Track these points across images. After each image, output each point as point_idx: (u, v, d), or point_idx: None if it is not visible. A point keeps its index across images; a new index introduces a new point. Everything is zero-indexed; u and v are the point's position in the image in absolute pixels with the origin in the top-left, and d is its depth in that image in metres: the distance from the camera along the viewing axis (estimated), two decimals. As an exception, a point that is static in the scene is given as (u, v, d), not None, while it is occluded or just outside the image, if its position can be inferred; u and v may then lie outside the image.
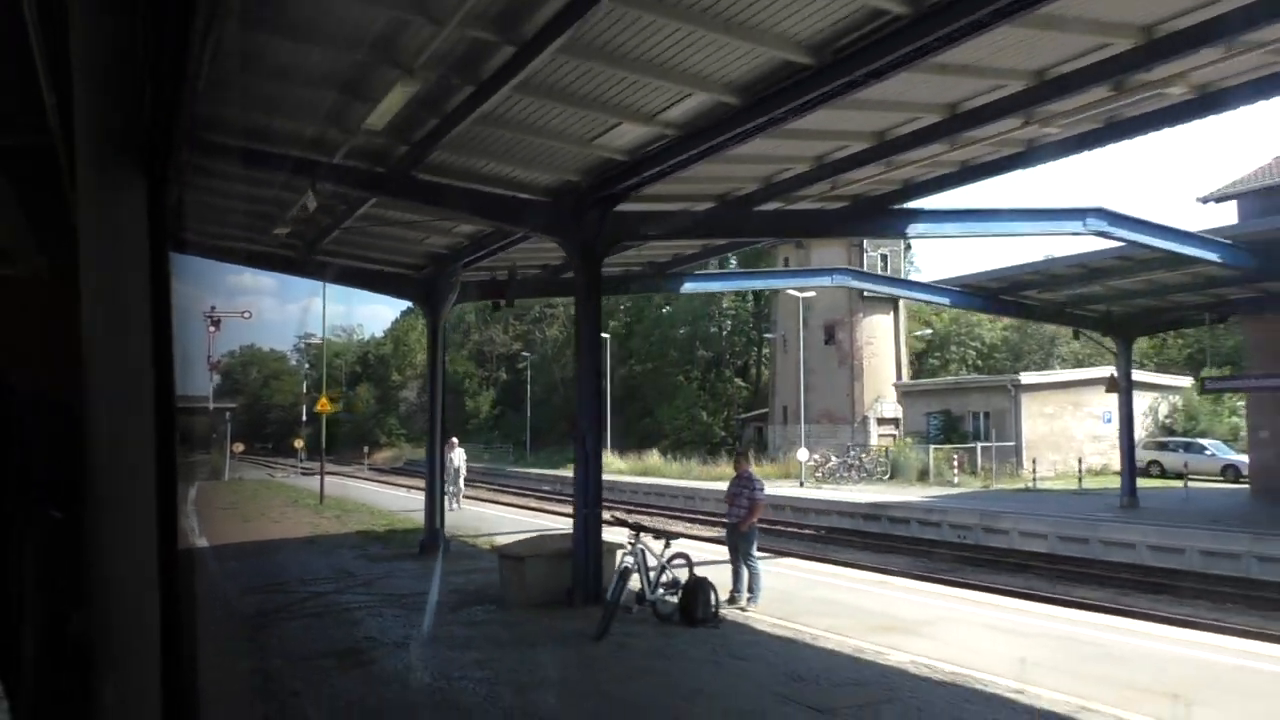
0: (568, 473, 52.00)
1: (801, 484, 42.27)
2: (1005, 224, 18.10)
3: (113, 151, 1.65)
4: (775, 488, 38.77)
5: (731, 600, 13.45)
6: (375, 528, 25.12)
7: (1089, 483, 37.61)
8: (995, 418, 44.77)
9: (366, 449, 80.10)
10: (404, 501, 33.56)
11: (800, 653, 11.11)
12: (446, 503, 29.63)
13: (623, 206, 13.71)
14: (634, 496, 42.67)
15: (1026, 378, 45.58)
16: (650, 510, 36.63)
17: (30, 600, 1.46)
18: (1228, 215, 32.72)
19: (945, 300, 27.01)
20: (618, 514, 16.38)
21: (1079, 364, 55.75)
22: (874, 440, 53.17)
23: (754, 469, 15.44)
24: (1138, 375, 40.02)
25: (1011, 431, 43.65)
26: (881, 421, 55.32)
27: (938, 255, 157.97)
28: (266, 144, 11.59)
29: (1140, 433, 44.75)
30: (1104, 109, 11.17)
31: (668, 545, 13.22)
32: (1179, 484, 35.21)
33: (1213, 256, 20.00)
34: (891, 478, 44.13)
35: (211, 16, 4.48)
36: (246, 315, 52.22)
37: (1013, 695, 9.18)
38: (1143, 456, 42.54)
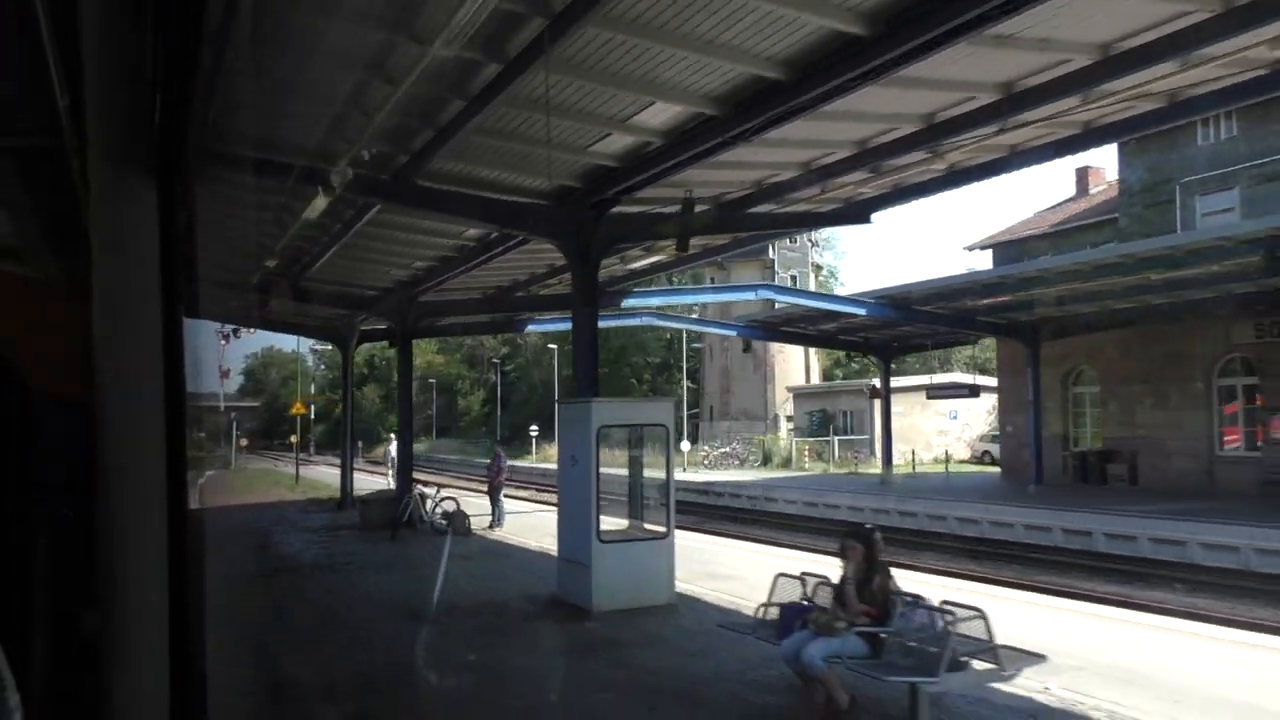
0: (518, 462, 62.26)
1: (684, 470, 48.88)
2: (701, 295, 26.97)
3: (123, 153, 1.64)
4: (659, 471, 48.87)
5: (490, 526, 23.67)
6: (320, 496, 34.39)
7: (920, 469, 43.86)
8: (856, 415, 53.29)
9: (360, 444, 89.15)
10: (360, 481, 39.75)
11: (494, 544, 21.13)
12: (386, 482, 38.93)
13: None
14: (542, 478, 47.63)
15: (879, 382, 52.48)
16: (536, 484, 43.28)
17: (40, 599, 1.49)
18: (987, 260, 42.45)
19: (733, 332, 35.85)
20: (419, 478, 26.42)
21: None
22: (782, 434, 59.81)
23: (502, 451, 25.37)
24: (986, 380, 46.65)
25: (869, 427, 51.75)
26: (790, 419, 61.85)
27: (866, 272, 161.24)
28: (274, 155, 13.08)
29: (984, 428, 53.11)
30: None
31: (438, 491, 24.07)
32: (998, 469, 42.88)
33: (860, 311, 28.13)
34: (764, 464, 51.95)
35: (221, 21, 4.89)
36: (253, 331, 59.43)
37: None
38: (980, 448, 51.48)
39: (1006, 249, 39.70)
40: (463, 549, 19.71)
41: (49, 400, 2.76)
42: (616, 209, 13.64)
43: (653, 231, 13.91)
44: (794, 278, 64.34)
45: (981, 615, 7.78)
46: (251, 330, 66.25)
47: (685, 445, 52.85)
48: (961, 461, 47.74)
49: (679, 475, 46.75)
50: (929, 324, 29.25)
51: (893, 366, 61.89)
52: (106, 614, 1.53)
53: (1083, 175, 41.20)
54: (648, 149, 12.18)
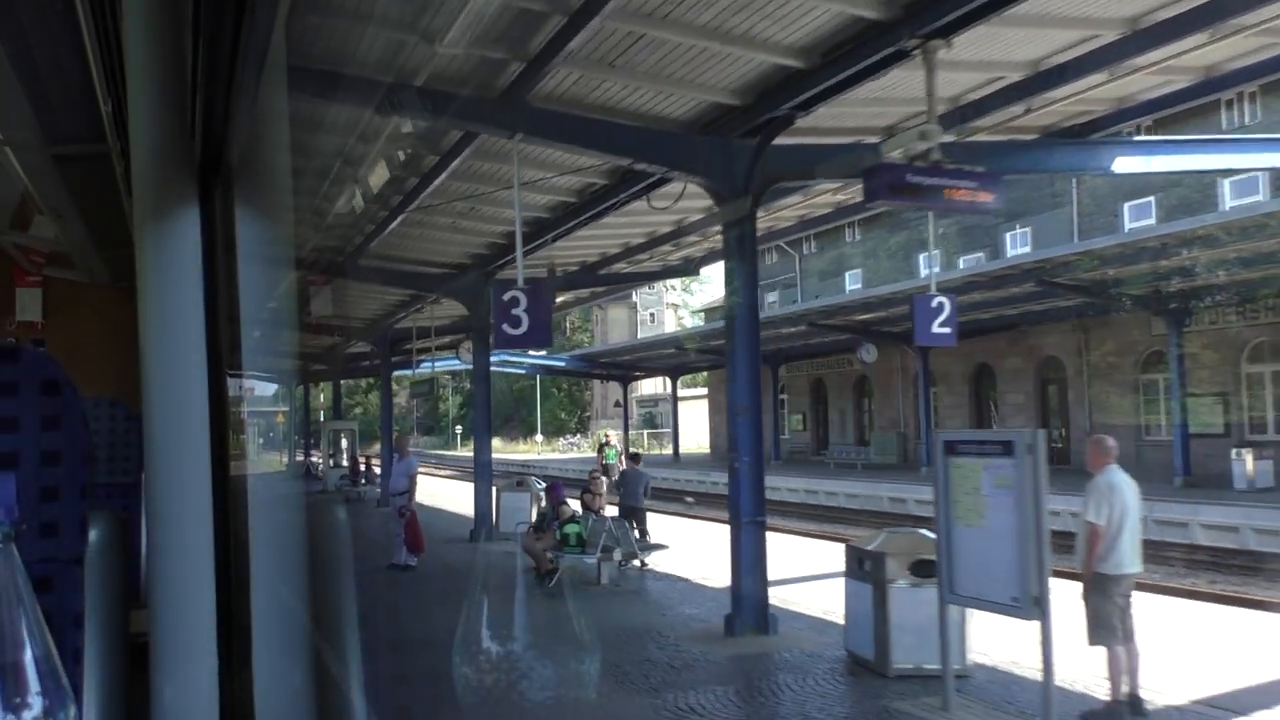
0: (447, 451, 70.99)
1: (539, 454, 56.58)
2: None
3: (166, 157, 1.62)
4: (515, 455, 54.67)
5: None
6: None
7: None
8: (668, 415, 60.02)
9: (345, 443, 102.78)
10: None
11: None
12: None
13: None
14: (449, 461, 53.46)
15: (681, 392, 57.23)
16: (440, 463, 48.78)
17: (91, 598, 1.43)
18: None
19: (521, 370, 50.76)
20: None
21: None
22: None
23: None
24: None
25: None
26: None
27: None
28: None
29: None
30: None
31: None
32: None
33: (561, 363, 41.91)
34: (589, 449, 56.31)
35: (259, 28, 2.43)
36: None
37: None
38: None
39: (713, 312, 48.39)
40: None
41: (99, 402, 2.96)
42: (781, 140, 9.09)
43: (833, 168, 9.69)
44: (652, 315, 71.42)
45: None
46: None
47: (539, 437, 61.54)
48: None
49: (518, 456, 54.86)
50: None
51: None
52: (155, 612, 1.52)
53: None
54: (840, 42, 7.72)
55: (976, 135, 10.15)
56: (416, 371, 25.22)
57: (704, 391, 57.44)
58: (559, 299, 23.76)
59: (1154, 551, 15.23)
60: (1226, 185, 25.68)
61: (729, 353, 9.50)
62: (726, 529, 9.63)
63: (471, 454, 74.89)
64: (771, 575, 9.25)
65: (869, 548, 7.67)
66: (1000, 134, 10.40)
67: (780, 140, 9.37)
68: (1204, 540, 16.92)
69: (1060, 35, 8.02)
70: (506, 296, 8.15)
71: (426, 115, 8.27)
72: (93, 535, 1.45)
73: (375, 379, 36.21)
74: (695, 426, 59.20)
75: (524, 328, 8.17)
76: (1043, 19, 7.54)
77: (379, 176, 10.10)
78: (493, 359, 42.30)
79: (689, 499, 26.47)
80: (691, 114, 9.52)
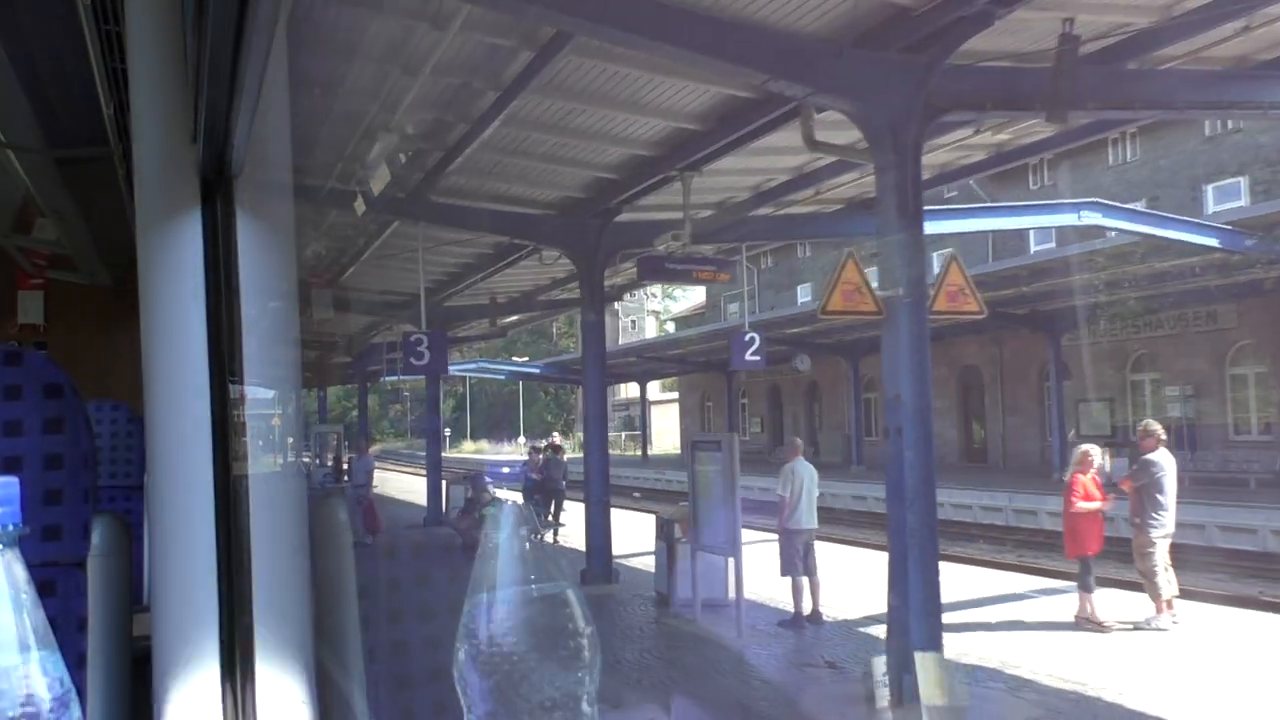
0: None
1: (523, 454, 50.47)
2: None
3: (168, 160, 1.62)
4: (500, 456, 56.50)
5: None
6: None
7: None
8: (640, 417, 62.78)
9: (334, 444, 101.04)
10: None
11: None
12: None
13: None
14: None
15: (651, 396, 62.94)
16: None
17: (95, 601, 1.47)
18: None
19: (501, 376, 54.72)
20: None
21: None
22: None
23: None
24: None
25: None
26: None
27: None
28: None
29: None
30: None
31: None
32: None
33: (535, 370, 45.07)
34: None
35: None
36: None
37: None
38: (722, 438, 65.64)
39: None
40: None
41: (101, 405, 3.02)
42: (621, 218, 12.37)
43: (652, 240, 12.44)
44: (633, 322, 73.57)
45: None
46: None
47: (520, 439, 63.73)
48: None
49: (515, 457, 56.90)
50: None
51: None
52: (159, 616, 1.50)
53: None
54: (644, 160, 10.98)
55: (801, 205, 13.59)
56: (384, 380, 28.51)
57: (676, 396, 59.71)
58: (516, 317, 28.20)
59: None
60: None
61: (583, 377, 12.75)
62: (642, 516, 13.69)
63: (459, 455, 77.67)
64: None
65: (665, 517, 10.65)
66: (815, 205, 13.77)
67: (626, 216, 12.43)
68: (1048, 525, 20.21)
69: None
70: (413, 338, 10.96)
71: (353, 212, 11.16)
72: (95, 539, 1.38)
73: (371, 385, 39.07)
74: (670, 429, 61.48)
75: (425, 360, 10.86)
76: (778, 149, 10.72)
77: (380, 180, 10.60)
78: (472, 367, 45.54)
79: (635, 494, 30.19)
80: (558, 199, 12.37)
